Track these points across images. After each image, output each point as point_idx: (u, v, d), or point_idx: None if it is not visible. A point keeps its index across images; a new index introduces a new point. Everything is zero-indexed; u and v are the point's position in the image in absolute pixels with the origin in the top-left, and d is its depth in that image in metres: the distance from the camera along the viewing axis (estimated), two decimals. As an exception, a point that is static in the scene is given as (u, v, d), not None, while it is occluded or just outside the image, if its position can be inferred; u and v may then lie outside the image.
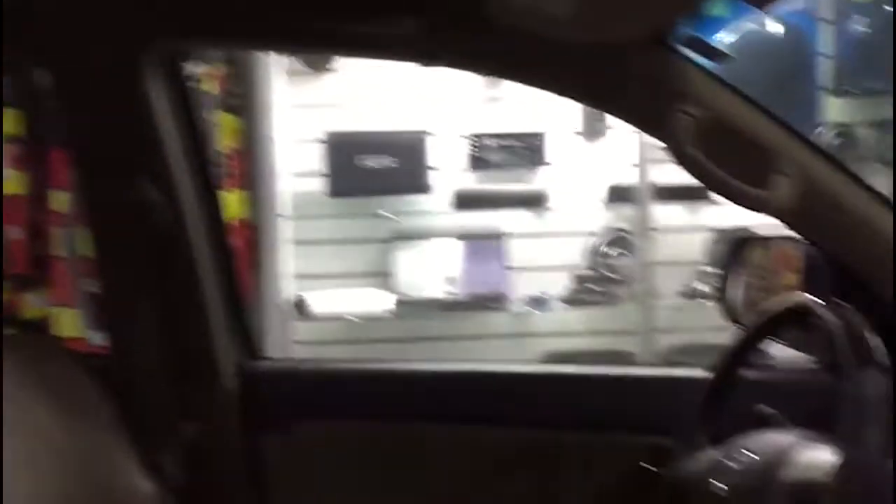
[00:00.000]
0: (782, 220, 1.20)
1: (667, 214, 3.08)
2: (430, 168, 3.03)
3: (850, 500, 0.75)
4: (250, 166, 2.87)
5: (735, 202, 1.18)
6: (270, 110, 2.89)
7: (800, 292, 0.99)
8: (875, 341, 0.83)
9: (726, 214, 2.52)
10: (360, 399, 1.46)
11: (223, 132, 2.81)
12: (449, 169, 3.07)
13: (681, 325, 3.06)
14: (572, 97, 1.25)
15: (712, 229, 2.99)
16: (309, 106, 2.99)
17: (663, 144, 1.22)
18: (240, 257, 2.77)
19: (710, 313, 1.48)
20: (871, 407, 0.76)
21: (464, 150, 3.08)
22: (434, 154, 3.03)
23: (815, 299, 0.93)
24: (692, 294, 3.08)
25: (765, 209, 1.18)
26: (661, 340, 3.07)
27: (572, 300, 3.13)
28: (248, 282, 2.77)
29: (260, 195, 2.88)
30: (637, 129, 1.32)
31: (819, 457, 0.84)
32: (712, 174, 1.14)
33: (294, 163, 2.99)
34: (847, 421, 0.77)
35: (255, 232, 2.88)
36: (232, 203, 2.78)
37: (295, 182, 2.99)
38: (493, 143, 3.09)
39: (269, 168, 2.89)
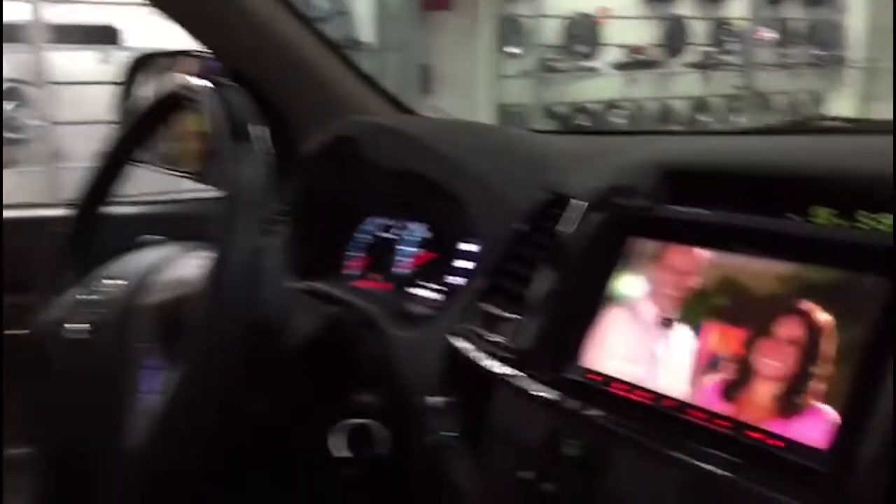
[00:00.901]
0: (170, 16, 1.01)
1: (71, 63, 2.66)
2: None
3: (216, 305, 0.58)
4: None
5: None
6: None
7: (179, 79, 0.78)
8: (258, 128, 0.65)
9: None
10: None
11: None
12: None
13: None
14: None
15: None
16: None
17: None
18: None
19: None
20: (243, 193, 0.59)
21: None
22: None
23: (195, 81, 0.72)
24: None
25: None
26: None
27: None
28: None
29: None
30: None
31: (188, 267, 0.66)
32: None
33: None
34: (221, 212, 0.59)
35: None
36: None
37: None
38: None
39: None
